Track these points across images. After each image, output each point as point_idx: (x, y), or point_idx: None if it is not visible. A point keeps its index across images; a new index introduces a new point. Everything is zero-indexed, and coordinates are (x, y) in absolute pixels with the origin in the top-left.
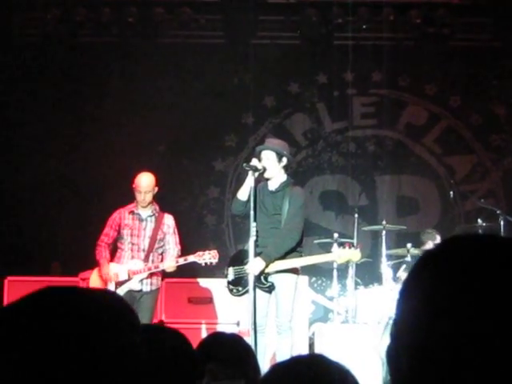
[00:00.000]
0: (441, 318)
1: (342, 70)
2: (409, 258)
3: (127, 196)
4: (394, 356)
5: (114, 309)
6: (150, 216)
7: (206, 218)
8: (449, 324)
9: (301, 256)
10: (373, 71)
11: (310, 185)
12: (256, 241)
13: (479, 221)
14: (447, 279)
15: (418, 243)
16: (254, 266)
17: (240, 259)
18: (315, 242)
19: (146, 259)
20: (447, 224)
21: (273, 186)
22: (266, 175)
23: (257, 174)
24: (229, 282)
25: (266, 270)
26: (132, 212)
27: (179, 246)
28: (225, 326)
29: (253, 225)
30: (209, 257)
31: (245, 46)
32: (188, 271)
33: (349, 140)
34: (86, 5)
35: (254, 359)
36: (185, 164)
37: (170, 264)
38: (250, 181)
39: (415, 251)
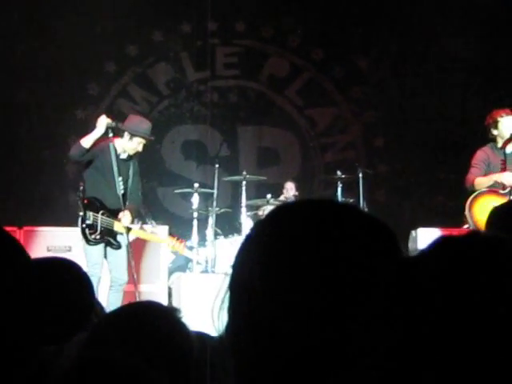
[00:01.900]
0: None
1: (205, 20)
2: (268, 209)
3: None
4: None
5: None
6: None
7: (66, 167)
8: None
9: None
10: (236, 22)
11: (172, 134)
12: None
13: (338, 172)
14: (287, 236)
15: (278, 194)
16: (127, 219)
17: (95, 207)
18: (176, 191)
19: None
20: (307, 175)
21: (123, 153)
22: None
23: (111, 134)
24: (87, 226)
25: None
26: None
27: None
28: None
29: (119, 179)
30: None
31: None
32: (47, 219)
33: (211, 90)
34: None
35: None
36: (46, 113)
37: None
38: (98, 133)
39: (275, 202)
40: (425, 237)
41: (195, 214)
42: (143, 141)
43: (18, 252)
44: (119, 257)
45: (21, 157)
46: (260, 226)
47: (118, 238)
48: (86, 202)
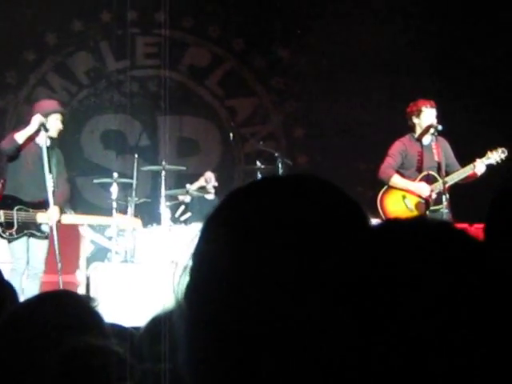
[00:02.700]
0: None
1: (125, 9)
2: (188, 199)
3: None
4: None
5: None
6: None
7: None
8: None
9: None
10: (156, 11)
11: (91, 124)
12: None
13: (258, 163)
14: (253, 211)
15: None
16: (54, 215)
17: (7, 205)
18: (95, 181)
19: None
20: (227, 165)
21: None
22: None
23: (44, 132)
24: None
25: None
26: None
27: None
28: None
29: (49, 176)
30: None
31: None
32: None
33: (131, 79)
34: None
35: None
36: None
37: None
38: (32, 130)
39: (194, 192)
40: None
41: (114, 204)
42: (59, 116)
43: None
44: (40, 247)
45: None
46: (227, 201)
47: (43, 227)
48: None
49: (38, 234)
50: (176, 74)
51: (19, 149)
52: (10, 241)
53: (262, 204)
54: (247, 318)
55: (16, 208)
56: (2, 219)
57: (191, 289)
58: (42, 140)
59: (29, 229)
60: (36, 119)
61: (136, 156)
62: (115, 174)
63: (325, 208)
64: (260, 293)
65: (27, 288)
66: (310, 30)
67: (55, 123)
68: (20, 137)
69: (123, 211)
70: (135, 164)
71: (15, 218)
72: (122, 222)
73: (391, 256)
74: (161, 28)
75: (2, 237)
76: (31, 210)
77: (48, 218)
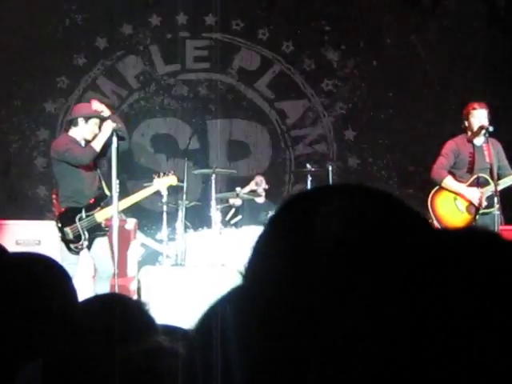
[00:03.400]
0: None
1: (175, 13)
2: (238, 202)
3: None
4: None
5: None
6: None
7: (35, 160)
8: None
9: None
10: (206, 15)
11: (142, 128)
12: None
13: (308, 166)
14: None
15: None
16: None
17: (70, 218)
18: (145, 184)
19: None
20: (277, 168)
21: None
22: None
23: (115, 138)
24: (70, 241)
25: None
26: None
27: None
28: None
29: (116, 181)
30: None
31: None
32: (16, 212)
33: (181, 83)
34: None
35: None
36: (15, 105)
37: None
38: (105, 137)
39: (244, 195)
40: None
41: (165, 208)
42: (98, 121)
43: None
44: (104, 248)
45: None
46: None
47: (103, 225)
48: (58, 216)
49: (101, 233)
50: (226, 77)
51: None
52: (72, 253)
53: (318, 218)
54: (300, 327)
55: (77, 218)
56: (71, 236)
57: (244, 297)
58: (114, 144)
59: (95, 232)
60: (109, 126)
61: (186, 159)
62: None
63: (381, 221)
64: (314, 301)
65: (99, 292)
66: (358, 32)
67: (93, 128)
68: (97, 145)
69: (174, 215)
70: (185, 167)
71: (81, 229)
72: (161, 182)
73: (442, 265)
74: (211, 31)
75: (75, 251)
76: (90, 213)
77: (106, 213)
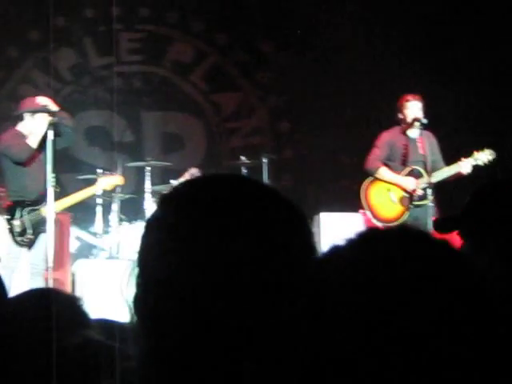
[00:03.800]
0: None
1: (108, 5)
2: None
3: None
4: (141, 292)
5: None
6: None
7: None
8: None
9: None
10: (140, 6)
11: (76, 120)
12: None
13: (243, 158)
14: (188, 213)
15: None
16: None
17: (17, 211)
18: (79, 177)
19: None
20: (212, 161)
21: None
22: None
23: (52, 131)
24: (16, 234)
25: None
26: None
27: None
28: None
29: (52, 175)
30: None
31: None
32: None
33: (115, 75)
34: None
35: None
36: None
37: None
38: (42, 131)
39: None
40: (326, 221)
41: (99, 200)
42: (46, 115)
43: None
44: (42, 243)
45: None
46: (161, 205)
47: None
48: (6, 208)
49: (44, 228)
50: (160, 69)
51: None
52: (29, 246)
53: (194, 206)
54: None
55: (25, 212)
56: (18, 229)
57: (138, 297)
58: (49, 137)
59: (40, 227)
60: (43, 120)
61: (120, 152)
62: (99, 170)
63: (260, 208)
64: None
65: (32, 286)
66: (292, 24)
67: (41, 123)
68: (33, 141)
69: (108, 208)
70: (119, 160)
71: (29, 222)
72: (107, 182)
73: (372, 269)
74: (145, 23)
75: (20, 244)
76: (36, 207)
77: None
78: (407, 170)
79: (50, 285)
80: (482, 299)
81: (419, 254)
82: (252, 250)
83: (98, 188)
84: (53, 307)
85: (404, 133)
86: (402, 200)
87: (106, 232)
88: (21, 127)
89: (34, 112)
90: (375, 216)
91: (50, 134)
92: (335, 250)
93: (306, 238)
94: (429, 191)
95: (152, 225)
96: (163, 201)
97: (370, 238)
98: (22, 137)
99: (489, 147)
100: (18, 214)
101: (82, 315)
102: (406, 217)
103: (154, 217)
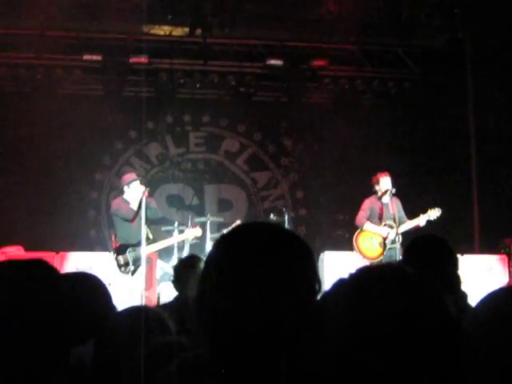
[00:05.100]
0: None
1: (182, 114)
2: None
3: None
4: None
5: None
6: None
7: (88, 213)
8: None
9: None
10: (203, 114)
11: (160, 190)
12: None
13: (271, 215)
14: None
15: None
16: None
17: (123, 250)
18: (163, 229)
19: None
20: (252, 217)
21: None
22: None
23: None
24: (121, 266)
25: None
26: None
27: None
28: None
29: (145, 227)
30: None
31: (116, 97)
32: (75, 247)
33: (186, 160)
34: None
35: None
36: (77, 175)
37: None
38: (139, 197)
39: None
40: (330, 258)
41: (176, 244)
42: (138, 184)
43: (51, 270)
44: (138, 272)
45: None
46: (216, 244)
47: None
48: (115, 249)
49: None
50: (216, 156)
51: None
52: (132, 274)
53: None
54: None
55: (128, 251)
56: (122, 262)
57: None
58: (143, 202)
59: (138, 262)
60: (138, 190)
61: (190, 211)
62: (176, 223)
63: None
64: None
65: (131, 303)
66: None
67: (136, 191)
68: (134, 206)
69: (181, 248)
70: (189, 217)
71: (130, 258)
72: (187, 234)
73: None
74: (206, 126)
75: (123, 273)
76: (135, 248)
77: (147, 249)
78: (383, 223)
79: (143, 302)
80: (455, 334)
81: (402, 293)
82: (289, 280)
83: (184, 236)
84: (145, 319)
85: (380, 199)
86: (381, 244)
87: None
88: (125, 195)
89: (129, 183)
90: (364, 256)
91: (144, 200)
92: (338, 289)
93: (314, 265)
94: (398, 238)
95: (210, 262)
96: (220, 240)
97: (365, 283)
98: (126, 202)
99: (437, 206)
100: (122, 253)
101: (165, 324)
102: (383, 256)
103: (212, 254)
